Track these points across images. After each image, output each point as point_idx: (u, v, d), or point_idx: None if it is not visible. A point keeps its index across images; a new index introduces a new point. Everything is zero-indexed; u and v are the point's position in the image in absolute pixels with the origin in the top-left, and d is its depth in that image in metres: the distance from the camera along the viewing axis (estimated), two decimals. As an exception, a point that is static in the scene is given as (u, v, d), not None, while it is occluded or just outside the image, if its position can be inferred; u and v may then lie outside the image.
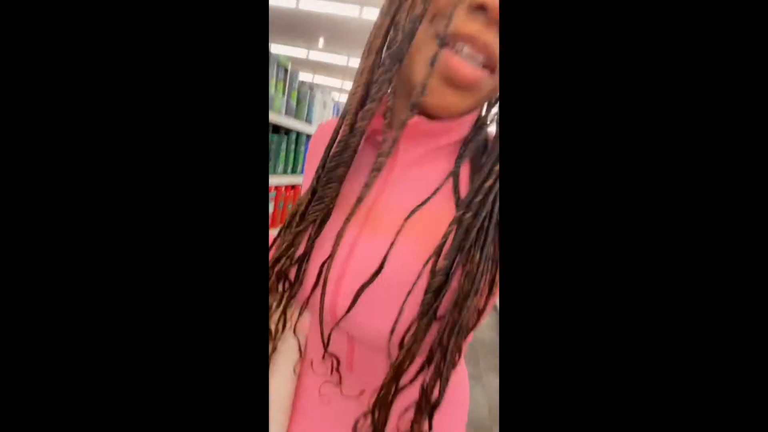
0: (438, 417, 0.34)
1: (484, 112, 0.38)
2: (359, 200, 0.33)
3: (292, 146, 1.89)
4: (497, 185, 0.32)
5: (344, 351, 0.39)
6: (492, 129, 0.37)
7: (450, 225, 0.32)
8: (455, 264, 0.32)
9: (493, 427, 1.78)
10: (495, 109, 0.37)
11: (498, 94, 0.33)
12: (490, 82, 0.31)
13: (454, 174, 0.35)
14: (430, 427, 0.33)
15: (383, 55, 0.33)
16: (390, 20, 0.32)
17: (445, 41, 0.29)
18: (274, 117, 1.61)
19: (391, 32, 0.32)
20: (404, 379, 0.32)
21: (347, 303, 0.33)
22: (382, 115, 0.35)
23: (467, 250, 0.32)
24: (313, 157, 0.44)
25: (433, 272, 0.31)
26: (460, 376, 0.46)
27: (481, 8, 0.28)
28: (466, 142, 0.37)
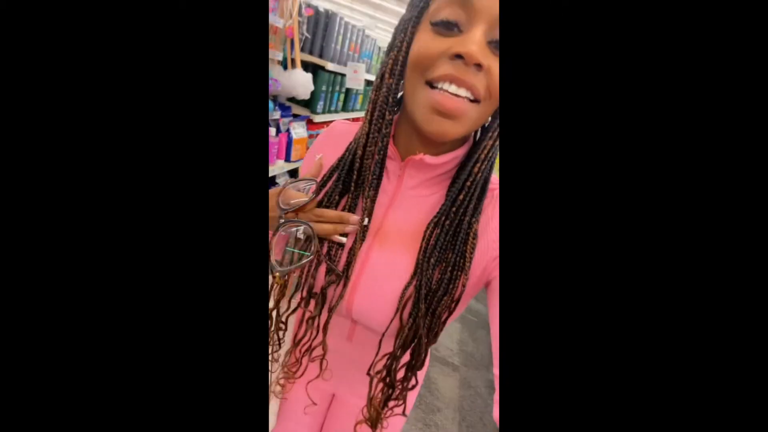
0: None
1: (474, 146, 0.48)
2: (369, 214, 0.45)
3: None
4: (472, 202, 0.43)
5: (346, 329, 0.55)
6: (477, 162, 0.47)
7: (429, 225, 0.44)
8: (436, 260, 0.43)
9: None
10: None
11: (485, 120, 0.41)
12: (477, 110, 0.39)
13: (447, 194, 0.46)
14: (417, 383, 0.48)
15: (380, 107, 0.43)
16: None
17: (432, 84, 0.38)
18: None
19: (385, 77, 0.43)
20: (402, 348, 0.45)
21: (363, 301, 0.46)
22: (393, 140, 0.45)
23: (443, 249, 0.43)
24: (318, 153, 0.53)
25: (419, 266, 0.43)
26: None
27: (459, 56, 0.36)
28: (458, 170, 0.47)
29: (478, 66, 0.35)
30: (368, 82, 2.69)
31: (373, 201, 0.44)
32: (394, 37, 0.42)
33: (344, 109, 2.41)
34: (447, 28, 0.36)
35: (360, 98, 2.61)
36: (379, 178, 0.44)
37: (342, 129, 0.54)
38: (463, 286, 0.43)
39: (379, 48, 2.92)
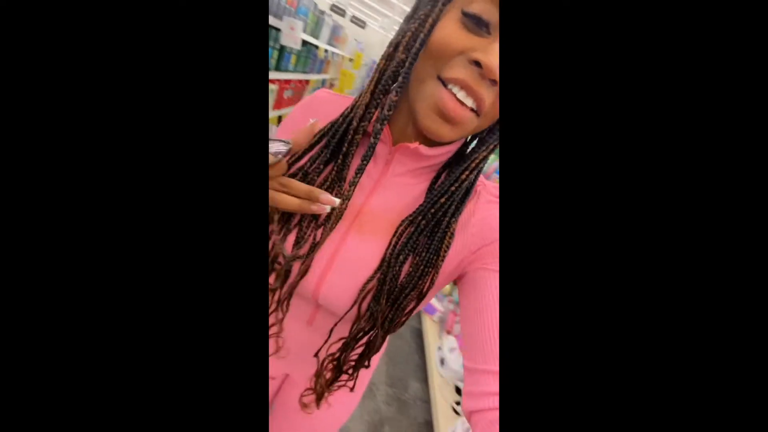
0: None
1: (468, 143, 0.47)
2: (346, 198, 0.42)
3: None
4: (453, 204, 0.42)
5: (308, 312, 0.53)
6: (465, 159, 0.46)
7: (403, 222, 0.43)
8: (405, 256, 0.42)
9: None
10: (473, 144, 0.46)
11: (478, 130, 0.41)
12: (475, 121, 0.38)
13: (429, 189, 0.45)
14: (368, 366, 0.50)
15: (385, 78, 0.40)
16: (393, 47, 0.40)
17: (444, 82, 0.36)
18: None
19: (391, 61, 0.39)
20: (360, 336, 0.45)
21: (332, 287, 0.44)
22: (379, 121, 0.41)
23: (413, 248, 0.42)
24: (299, 122, 0.49)
25: (385, 261, 0.42)
26: None
27: (477, 64, 0.34)
28: (445, 166, 0.46)
29: (493, 81, 0.34)
30: (305, 43, 2.52)
31: (354, 185, 0.42)
32: (419, 6, 0.38)
33: (277, 68, 2.23)
34: (477, 25, 0.33)
35: (294, 59, 2.44)
36: (366, 160, 0.41)
37: (327, 98, 0.50)
38: (432, 281, 0.42)
39: (316, 5, 2.72)
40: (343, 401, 0.66)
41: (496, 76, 0.33)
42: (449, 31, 0.35)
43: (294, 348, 0.60)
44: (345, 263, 0.44)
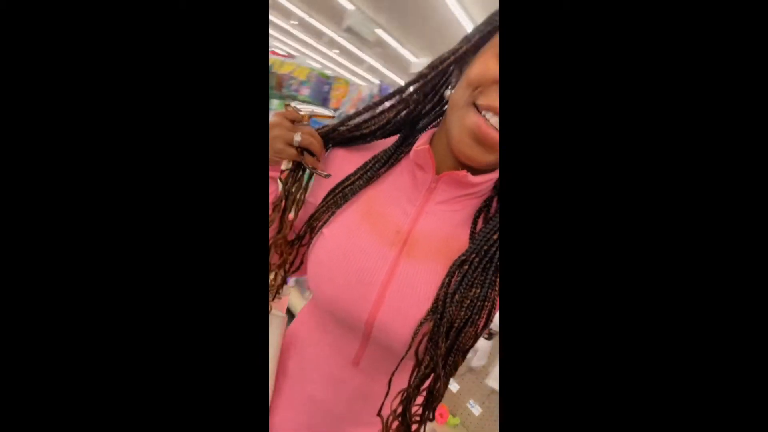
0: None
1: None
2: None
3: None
4: (499, 239, 0.41)
5: (354, 350, 0.49)
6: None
7: (456, 262, 0.42)
8: (461, 296, 0.41)
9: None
10: None
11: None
12: None
13: (474, 220, 0.46)
14: (432, 419, 0.44)
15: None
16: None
17: (478, 108, 0.39)
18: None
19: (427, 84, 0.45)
20: (419, 381, 0.42)
21: (387, 320, 0.43)
22: (429, 144, 0.45)
23: (469, 286, 0.41)
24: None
25: (440, 300, 0.41)
26: None
27: None
28: (487, 198, 0.47)
29: None
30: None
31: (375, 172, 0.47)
32: (475, 34, 0.43)
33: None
34: None
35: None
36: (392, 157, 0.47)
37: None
38: (489, 317, 0.41)
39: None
40: None
41: None
42: (486, 63, 0.39)
43: (339, 401, 0.51)
44: (402, 291, 0.43)
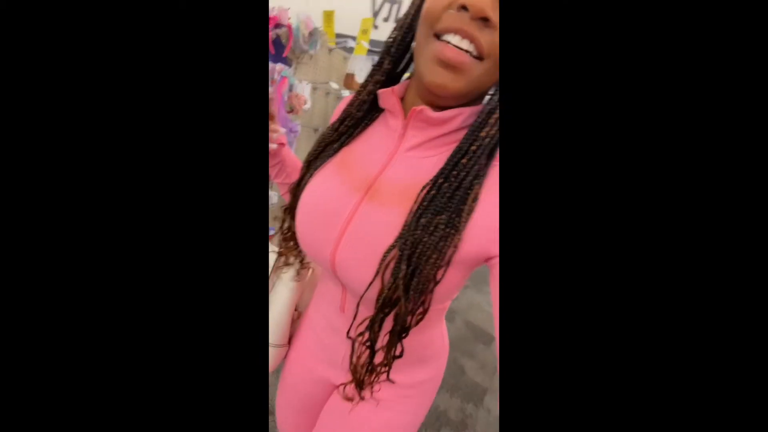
0: (419, 369, 0.56)
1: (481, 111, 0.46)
2: (337, 159, 0.49)
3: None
4: (476, 165, 0.40)
5: (338, 296, 0.52)
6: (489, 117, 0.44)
7: (424, 187, 0.41)
8: (427, 221, 0.39)
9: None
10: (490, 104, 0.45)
11: (489, 82, 0.41)
12: (479, 67, 0.38)
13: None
14: (402, 350, 0.44)
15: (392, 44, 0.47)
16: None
17: (439, 35, 0.38)
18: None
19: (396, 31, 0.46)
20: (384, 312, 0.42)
21: (344, 259, 0.44)
22: (399, 97, 0.46)
23: (436, 212, 0.40)
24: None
25: (406, 226, 0.40)
26: (439, 337, 0.60)
27: (464, 8, 0.36)
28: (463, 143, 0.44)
29: (485, 20, 0.35)
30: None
31: (346, 140, 0.50)
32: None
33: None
34: None
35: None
36: (359, 121, 0.48)
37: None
38: (455, 247, 0.40)
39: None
40: (398, 408, 0.58)
41: (485, 13, 0.35)
42: None
43: (331, 345, 0.56)
44: (358, 232, 0.43)
